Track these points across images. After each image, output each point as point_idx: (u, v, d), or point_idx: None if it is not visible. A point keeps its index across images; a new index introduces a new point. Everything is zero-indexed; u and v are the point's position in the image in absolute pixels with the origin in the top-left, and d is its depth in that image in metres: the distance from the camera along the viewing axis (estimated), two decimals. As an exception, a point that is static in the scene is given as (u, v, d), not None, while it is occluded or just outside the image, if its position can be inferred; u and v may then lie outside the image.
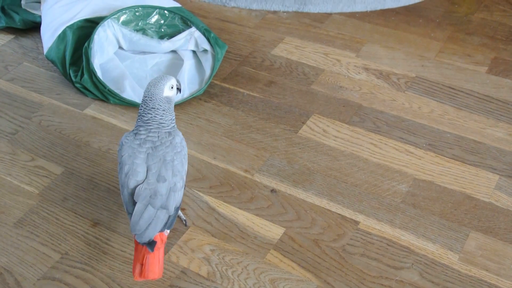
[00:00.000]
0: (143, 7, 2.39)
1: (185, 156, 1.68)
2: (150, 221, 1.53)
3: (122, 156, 1.63)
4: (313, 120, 2.17)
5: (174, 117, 1.71)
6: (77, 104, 2.26)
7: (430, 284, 1.66)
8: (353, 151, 2.05)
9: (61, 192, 1.92)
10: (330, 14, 2.77)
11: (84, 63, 2.22)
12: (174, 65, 2.40)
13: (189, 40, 2.39)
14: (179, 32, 2.42)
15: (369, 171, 1.98)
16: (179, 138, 1.68)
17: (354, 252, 1.74)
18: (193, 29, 2.39)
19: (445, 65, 2.44)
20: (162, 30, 2.43)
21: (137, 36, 2.39)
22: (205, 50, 2.39)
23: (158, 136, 1.65)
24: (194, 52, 2.43)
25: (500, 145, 2.07)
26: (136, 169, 1.59)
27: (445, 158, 2.03)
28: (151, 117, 1.67)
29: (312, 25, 2.70)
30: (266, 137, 2.11)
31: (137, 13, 2.39)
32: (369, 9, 2.79)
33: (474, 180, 1.95)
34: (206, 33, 2.36)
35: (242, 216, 1.85)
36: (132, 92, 2.22)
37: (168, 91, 1.68)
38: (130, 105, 2.22)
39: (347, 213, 1.85)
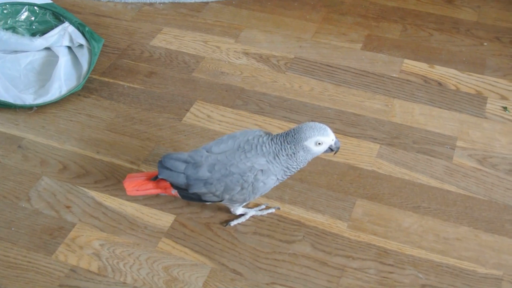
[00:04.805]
0: (11, 4, 2.28)
1: (248, 191, 1.59)
2: (173, 169, 1.63)
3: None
4: (196, 107, 2.16)
5: (291, 168, 1.58)
6: None
7: (322, 253, 1.69)
8: (239, 134, 2.06)
9: None
10: (207, 3, 2.76)
11: (-51, 66, 2.10)
12: (49, 63, 2.31)
13: (63, 35, 2.31)
14: (52, 28, 2.33)
15: (255, 151, 1.99)
16: (263, 180, 1.58)
17: (246, 231, 1.75)
18: (66, 24, 2.31)
19: (322, 44, 2.50)
20: (34, 27, 2.34)
21: (7, 35, 2.28)
22: (80, 45, 2.31)
23: (256, 155, 1.57)
24: (69, 48, 2.35)
25: (378, 116, 2.14)
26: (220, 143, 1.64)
27: (328, 132, 2.08)
28: (279, 147, 1.56)
29: (190, 14, 2.68)
30: (150, 127, 2.08)
31: (4, 11, 2.28)
32: (245, -5, 2.81)
33: (356, 151, 2.01)
34: (80, 27, 2.29)
35: (130, 208, 1.80)
36: (5, 92, 2.11)
37: (313, 143, 1.55)
38: (4, 106, 2.11)
39: (237, 194, 1.85)
